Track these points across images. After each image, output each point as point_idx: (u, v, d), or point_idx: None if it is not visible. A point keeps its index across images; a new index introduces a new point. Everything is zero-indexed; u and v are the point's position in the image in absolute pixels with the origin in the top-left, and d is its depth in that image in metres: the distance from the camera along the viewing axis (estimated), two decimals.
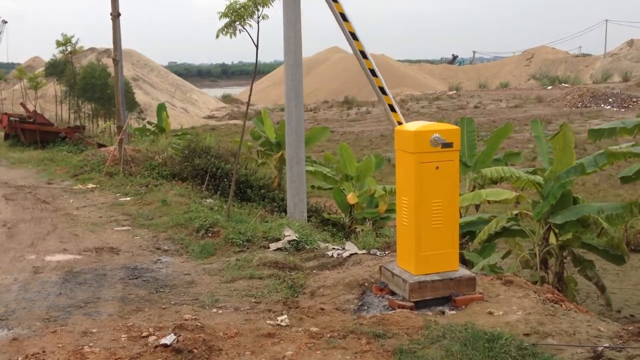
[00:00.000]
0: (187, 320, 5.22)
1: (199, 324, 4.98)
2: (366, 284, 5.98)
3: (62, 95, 50.75)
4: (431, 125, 5.49)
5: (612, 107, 44.75)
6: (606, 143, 15.74)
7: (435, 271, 5.44)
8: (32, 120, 27.06)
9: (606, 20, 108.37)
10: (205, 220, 8.76)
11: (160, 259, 7.51)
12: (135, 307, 5.66)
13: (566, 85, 65.25)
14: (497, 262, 11.14)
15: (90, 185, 13.34)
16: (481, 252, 11.82)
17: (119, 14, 29.48)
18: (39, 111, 43.30)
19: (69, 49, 29.69)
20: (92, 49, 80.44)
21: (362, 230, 16.07)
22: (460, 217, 13.31)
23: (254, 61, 8.87)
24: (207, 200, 11.56)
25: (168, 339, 4.55)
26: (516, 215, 11.49)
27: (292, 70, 12.43)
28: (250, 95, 9.63)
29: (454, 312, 5.22)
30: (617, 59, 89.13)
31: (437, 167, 5.34)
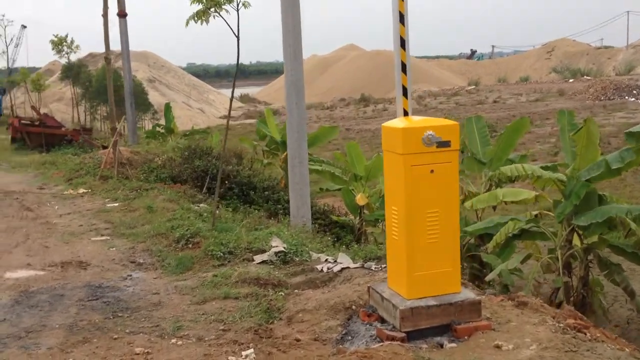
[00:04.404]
0: (137, 354, 4.43)
1: None
2: (354, 306, 5.12)
3: (78, 98, 50.72)
4: (424, 120, 4.62)
5: (637, 99, 43.32)
6: None
7: (432, 294, 4.55)
8: (37, 123, 26.65)
9: (628, 11, 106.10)
10: (187, 230, 7.95)
11: (131, 275, 6.73)
12: (83, 337, 4.86)
13: (588, 77, 63.66)
14: (516, 265, 10.37)
15: (81, 190, 12.65)
16: (500, 254, 11.05)
17: (125, 14, 28.89)
18: (56, 114, 43.07)
19: (66, 49, 29.06)
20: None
21: (373, 232, 15.24)
22: (478, 219, 12.52)
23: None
24: (200, 205, 10.78)
25: None
26: (536, 216, 10.70)
27: (291, 65, 11.64)
28: (233, 91, 8.81)
29: (453, 344, 4.34)
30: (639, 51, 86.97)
31: (432, 171, 4.46)
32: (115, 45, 29.76)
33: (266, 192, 14.66)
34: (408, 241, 4.48)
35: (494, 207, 12.83)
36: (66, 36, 29.63)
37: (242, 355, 4.34)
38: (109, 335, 4.91)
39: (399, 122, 4.62)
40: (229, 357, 4.33)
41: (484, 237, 11.71)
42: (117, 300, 5.85)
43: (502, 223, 10.62)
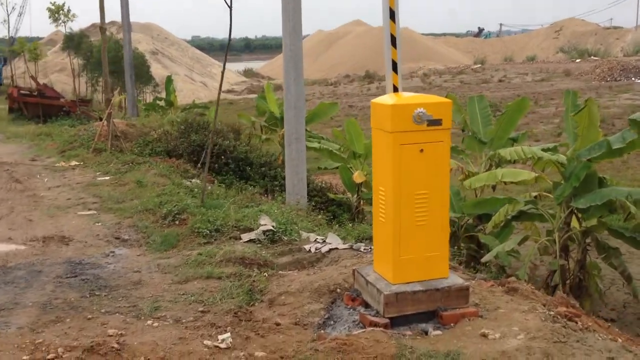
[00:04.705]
0: (110, 336, 4.25)
1: (117, 345, 4.00)
2: (338, 289, 4.93)
3: (79, 69, 50.23)
4: (415, 97, 4.38)
5: None
6: None
7: (418, 279, 4.36)
8: (36, 93, 26.32)
9: None
10: (175, 206, 7.74)
11: (114, 252, 6.54)
12: (55, 316, 4.69)
13: (596, 58, 62.80)
14: (513, 247, 10.20)
15: (73, 163, 12.42)
16: (498, 235, 10.89)
17: None
18: (57, 84, 42.61)
19: (62, 17, 28.49)
20: (112, 23, 79.68)
21: (371, 211, 15.02)
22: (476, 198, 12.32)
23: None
24: (192, 181, 10.56)
25: None
26: (535, 197, 10.51)
27: (290, 40, 11.31)
28: (224, 64, 8.55)
29: (439, 332, 4.16)
30: None
31: (422, 150, 4.23)
32: (118, 16, 29.25)
33: (263, 168, 14.45)
34: (395, 223, 4.27)
35: (494, 188, 12.64)
36: (63, 4, 28.99)
37: (218, 340, 4.16)
38: (83, 315, 4.73)
39: (388, 99, 4.38)
40: (205, 342, 4.15)
41: (482, 217, 11.53)
42: (96, 278, 5.67)
43: (501, 200, 10.47)
